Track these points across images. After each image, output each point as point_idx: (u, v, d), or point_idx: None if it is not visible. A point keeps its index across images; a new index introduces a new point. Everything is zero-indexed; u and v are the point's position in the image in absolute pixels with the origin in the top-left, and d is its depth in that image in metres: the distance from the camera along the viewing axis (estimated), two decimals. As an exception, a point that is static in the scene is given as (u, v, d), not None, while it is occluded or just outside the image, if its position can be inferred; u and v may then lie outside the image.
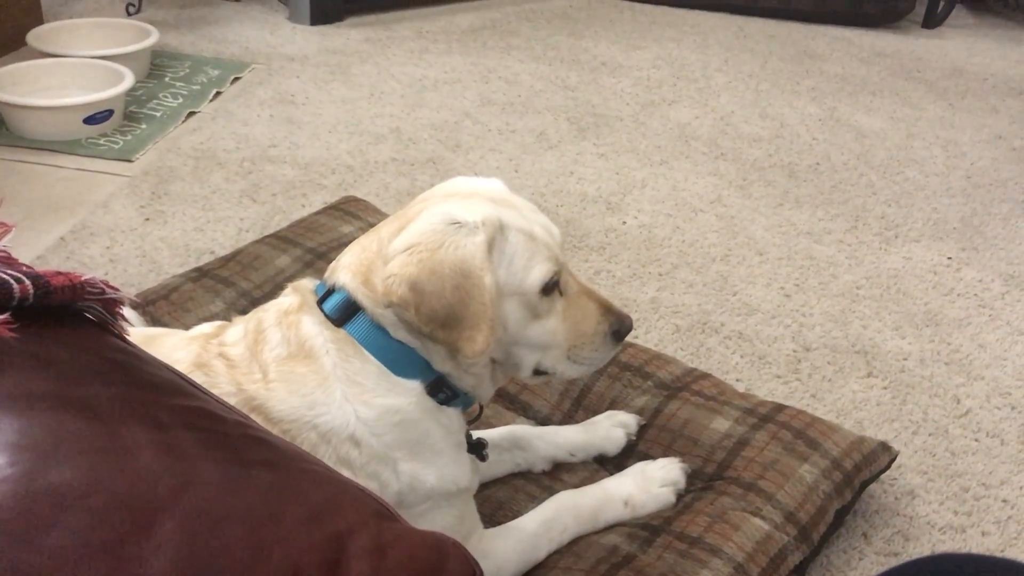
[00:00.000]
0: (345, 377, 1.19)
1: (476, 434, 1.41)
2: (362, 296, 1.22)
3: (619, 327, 1.30)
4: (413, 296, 1.15)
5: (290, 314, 1.24)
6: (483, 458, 1.38)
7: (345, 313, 1.22)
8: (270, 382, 1.19)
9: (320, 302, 1.25)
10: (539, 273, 1.22)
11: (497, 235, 1.20)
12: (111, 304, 0.86)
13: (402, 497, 1.22)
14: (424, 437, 1.22)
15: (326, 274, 1.28)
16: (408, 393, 1.21)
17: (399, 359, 1.22)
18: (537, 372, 1.30)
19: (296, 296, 1.27)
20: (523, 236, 1.22)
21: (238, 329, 1.28)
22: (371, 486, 1.19)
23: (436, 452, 1.24)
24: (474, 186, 1.32)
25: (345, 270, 1.25)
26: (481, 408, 1.38)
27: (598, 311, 1.29)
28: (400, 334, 1.22)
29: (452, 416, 1.27)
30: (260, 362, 1.21)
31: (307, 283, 1.30)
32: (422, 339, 1.22)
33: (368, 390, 1.19)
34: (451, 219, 1.19)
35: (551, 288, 1.25)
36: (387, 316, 1.21)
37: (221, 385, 1.20)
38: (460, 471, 1.27)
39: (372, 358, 1.20)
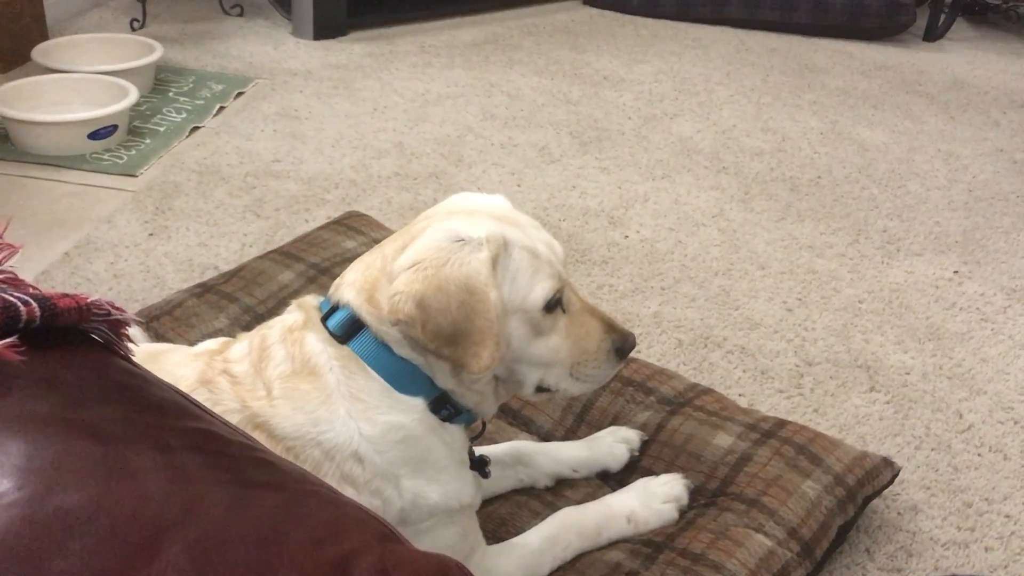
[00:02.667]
0: (349, 394, 1.19)
1: (478, 451, 1.41)
2: (366, 313, 1.22)
3: (622, 344, 1.30)
4: (419, 313, 1.16)
5: (294, 331, 1.25)
6: (485, 475, 1.38)
7: (349, 330, 1.23)
8: (274, 399, 1.20)
9: (324, 319, 1.25)
10: (542, 290, 1.23)
11: (501, 252, 1.21)
12: (117, 325, 0.87)
13: (405, 514, 1.22)
14: (427, 454, 1.23)
15: (330, 291, 1.29)
16: (411, 410, 1.21)
17: (402, 376, 1.22)
18: (540, 389, 1.31)
19: (300, 313, 1.28)
20: (526, 253, 1.23)
21: (242, 346, 1.29)
22: (375, 503, 1.19)
23: (439, 469, 1.24)
24: (477, 203, 1.33)
25: (349, 287, 1.25)
26: (484, 425, 1.39)
27: (601, 328, 1.30)
28: (403, 351, 1.22)
29: (455, 433, 1.27)
30: (264, 379, 1.22)
31: (311, 300, 1.31)
32: (426, 356, 1.22)
33: (371, 407, 1.19)
34: (456, 236, 1.19)
35: (554, 305, 1.25)
36: (391, 333, 1.21)
37: (225, 402, 1.20)
38: (463, 488, 1.27)
39: (376, 375, 1.21)
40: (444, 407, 1.25)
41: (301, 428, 1.18)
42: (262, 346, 1.26)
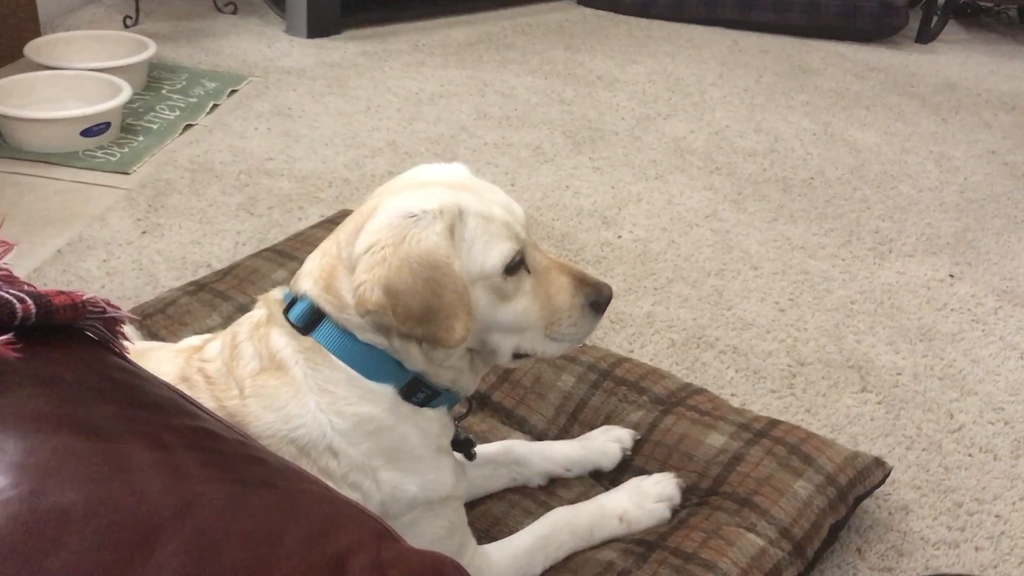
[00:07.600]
0: (316, 387, 1.18)
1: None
2: (324, 302, 1.20)
3: (596, 297, 1.26)
4: (388, 299, 1.13)
5: (260, 327, 1.23)
6: (471, 457, 1.36)
7: (310, 321, 1.21)
8: (246, 398, 1.18)
9: (286, 312, 1.23)
10: (499, 254, 1.19)
11: (456, 221, 1.17)
12: (112, 323, 0.87)
13: (386, 507, 1.20)
14: (401, 443, 1.20)
15: (291, 283, 1.27)
16: (380, 400, 1.19)
17: (369, 363, 1.19)
18: (517, 355, 1.27)
19: (265, 308, 1.26)
20: (480, 219, 1.19)
21: (216, 344, 1.27)
22: (354, 496, 1.17)
23: (415, 459, 1.22)
24: (432, 174, 1.29)
25: (307, 277, 1.23)
26: (471, 404, 1.36)
27: (571, 284, 1.26)
28: (367, 336, 1.19)
29: (432, 418, 1.24)
30: (236, 378, 1.21)
31: (276, 293, 1.28)
32: (391, 339, 1.19)
33: (340, 398, 1.18)
34: (407, 212, 1.16)
35: (515, 267, 1.21)
36: (353, 320, 1.18)
37: (203, 401, 1.18)
38: (441, 477, 1.24)
39: (342, 364, 1.19)
40: (418, 391, 1.22)
41: (273, 426, 1.16)
42: (233, 344, 1.24)
